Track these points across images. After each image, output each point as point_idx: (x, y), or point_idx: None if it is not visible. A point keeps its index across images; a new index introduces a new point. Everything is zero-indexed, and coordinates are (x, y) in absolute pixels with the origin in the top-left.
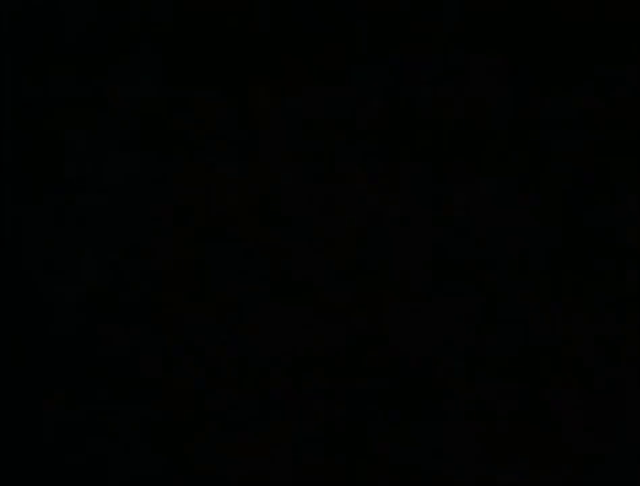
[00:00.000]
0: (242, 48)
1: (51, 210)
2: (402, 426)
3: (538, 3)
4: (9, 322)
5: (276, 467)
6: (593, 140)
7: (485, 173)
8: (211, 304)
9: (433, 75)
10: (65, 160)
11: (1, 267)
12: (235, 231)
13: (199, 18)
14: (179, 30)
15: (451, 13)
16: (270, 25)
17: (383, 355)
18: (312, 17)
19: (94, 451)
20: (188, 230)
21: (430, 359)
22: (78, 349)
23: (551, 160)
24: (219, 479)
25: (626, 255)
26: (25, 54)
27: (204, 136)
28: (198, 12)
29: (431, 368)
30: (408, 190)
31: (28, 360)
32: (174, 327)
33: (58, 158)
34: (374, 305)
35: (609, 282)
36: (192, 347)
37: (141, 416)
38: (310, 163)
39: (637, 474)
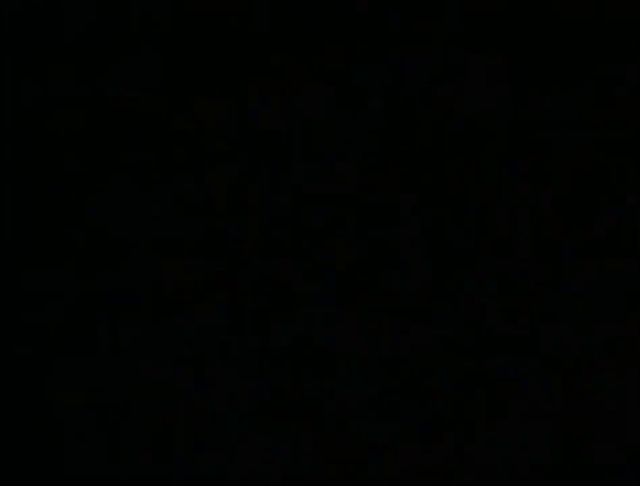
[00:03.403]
0: (242, 48)
1: (51, 210)
2: (402, 427)
3: (538, 3)
4: (8, 322)
5: (276, 467)
6: (593, 140)
7: (485, 173)
8: (211, 303)
9: (433, 75)
10: (65, 160)
11: (1, 267)
12: (235, 231)
13: (199, 18)
14: (179, 30)
15: (451, 13)
16: (270, 25)
17: (383, 355)
18: (312, 17)
19: (93, 450)
20: (188, 230)
21: (429, 359)
22: (77, 347)
23: (551, 160)
24: (219, 479)
25: (627, 255)
26: (25, 54)
27: (204, 136)
28: (198, 12)
29: (430, 368)
30: (408, 190)
31: (27, 358)
32: (173, 327)
33: (58, 158)
34: (373, 305)
35: (610, 282)
36: (191, 346)
37: (140, 416)
38: (310, 163)
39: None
